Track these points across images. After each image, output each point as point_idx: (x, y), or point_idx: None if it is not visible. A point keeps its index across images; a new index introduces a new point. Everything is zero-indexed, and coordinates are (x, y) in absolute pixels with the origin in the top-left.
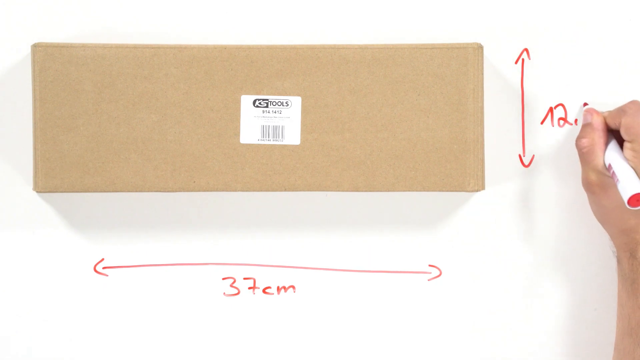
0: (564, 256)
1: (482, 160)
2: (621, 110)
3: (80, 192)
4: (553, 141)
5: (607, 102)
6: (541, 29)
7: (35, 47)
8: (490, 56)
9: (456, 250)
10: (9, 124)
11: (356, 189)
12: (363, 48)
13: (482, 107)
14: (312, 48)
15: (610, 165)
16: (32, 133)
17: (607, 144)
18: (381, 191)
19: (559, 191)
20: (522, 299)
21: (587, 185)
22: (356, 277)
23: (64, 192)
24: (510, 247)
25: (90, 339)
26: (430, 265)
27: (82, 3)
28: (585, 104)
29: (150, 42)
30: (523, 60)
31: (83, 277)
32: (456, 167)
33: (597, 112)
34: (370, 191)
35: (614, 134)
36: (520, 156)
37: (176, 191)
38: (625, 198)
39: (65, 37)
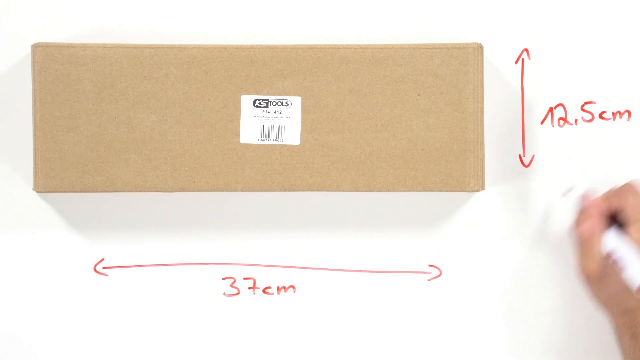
0: (564, 256)
1: (482, 160)
2: (620, 192)
3: (80, 192)
4: (553, 141)
5: (607, 102)
6: (541, 29)
7: (35, 47)
8: (490, 56)
9: (456, 250)
10: (9, 124)
11: (356, 189)
12: (363, 48)
13: (482, 107)
14: (312, 48)
15: (611, 252)
16: (32, 133)
17: (604, 229)
18: (381, 191)
19: (559, 191)
20: (522, 299)
21: (587, 274)
22: (356, 277)
23: (64, 192)
24: (510, 247)
25: (91, 339)
26: (430, 265)
27: (82, 3)
28: (568, 189)
29: (150, 42)
30: (523, 60)
31: (83, 277)
32: (456, 167)
33: (592, 198)
34: (370, 191)
35: (609, 219)
36: (520, 156)
37: (176, 191)
38: (635, 286)
39: (65, 37)
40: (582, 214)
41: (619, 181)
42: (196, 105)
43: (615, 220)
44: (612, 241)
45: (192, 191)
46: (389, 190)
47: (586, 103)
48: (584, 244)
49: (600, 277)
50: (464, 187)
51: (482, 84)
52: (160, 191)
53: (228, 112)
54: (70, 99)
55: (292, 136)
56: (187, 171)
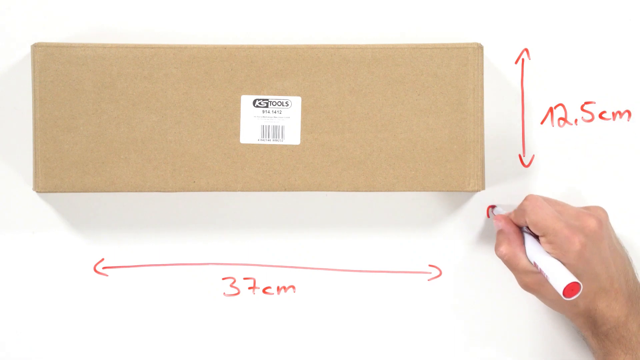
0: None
1: (482, 160)
2: (521, 210)
3: (80, 192)
4: (553, 141)
5: (607, 102)
6: (541, 29)
7: (35, 47)
8: (490, 56)
9: (456, 250)
10: (9, 124)
11: (356, 189)
12: (363, 48)
13: (482, 107)
14: (312, 48)
15: (535, 263)
16: (32, 133)
17: (524, 242)
18: (381, 191)
19: (559, 191)
20: (521, 299)
21: (525, 287)
22: (356, 277)
23: (64, 192)
24: None
25: (91, 339)
26: (430, 265)
27: (82, 3)
28: (493, 206)
29: (150, 42)
30: (523, 60)
31: (83, 277)
32: (456, 167)
33: (504, 217)
34: (370, 191)
35: (527, 230)
36: (520, 156)
37: (176, 191)
38: (560, 291)
39: (65, 37)
40: (499, 236)
41: (620, 180)
42: (196, 105)
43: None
44: (532, 253)
45: (192, 191)
46: (389, 190)
47: (586, 103)
48: (509, 264)
49: (539, 286)
50: (464, 187)
51: (482, 84)
52: (160, 191)
53: (228, 112)
54: (70, 99)
55: (292, 136)
56: (187, 171)
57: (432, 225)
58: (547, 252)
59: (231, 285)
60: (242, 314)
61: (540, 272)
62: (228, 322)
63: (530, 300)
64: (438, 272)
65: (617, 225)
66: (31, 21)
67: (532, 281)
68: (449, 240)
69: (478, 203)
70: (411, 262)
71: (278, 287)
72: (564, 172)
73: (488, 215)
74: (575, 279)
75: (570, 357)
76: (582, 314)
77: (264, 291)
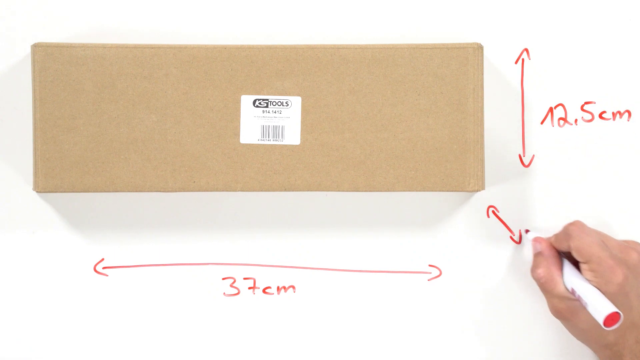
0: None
1: (482, 160)
2: (566, 234)
3: (80, 192)
4: (553, 141)
5: (607, 102)
6: (541, 29)
7: (35, 47)
8: (490, 56)
9: (456, 250)
10: (9, 124)
11: (356, 189)
12: (363, 48)
13: (482, 107)
14: (312, 48)
15: (573, 289)
16: (32, 133)
17: (562, 267)
18: (381, 191)
19: (559, 191)
20: (521, 299)
21: (557, 313)
22: (356, 277)
23: (64, 192)
24: (510, 247)
25: (91, 339)
26: (430, 265)
27: (82, 3)
28: (527, 231)
29: (150, 42)
30: (523, 60)
31: (83, 277)
32: (456, 167)
33: (544, 240)
34: (370, 191)
35: (565, 256)
36: (520, 156)
37: (176, 191)
38: (600, 320)
39: (65, 37)
40: (537, 258)
41: (620, 180)
42: (196, 105)
43: (571, 255)
44: (570, 279)
45: (192, 191)
46: (389, 190)
47: (586, 103)
48: (545, 287)
49: (571, 314)
50: (464, 187)
51: (482, 84)
52: (160, 191)
53: (228, 112)
54: (70, 99)
55: (292, 136)
56: (187, 171)
57: (432, 225)
58: (587, 280)
59: (231, 285)
60: (242, 314)
61: (576, 299)
62: (228, 322)
63: (530, 301)
64: (438, 272)
65: (617, 225)
66: (31, 21)
67: (565, 308)
68: (449, 240)
69: (478, 203)
70: (411, 262)
71: (278, 287)
72: (564, 172)
73: (519, 241)
74: (616, 309)
75: (570, 356)
76: (609, 347)
77: (264, 291)
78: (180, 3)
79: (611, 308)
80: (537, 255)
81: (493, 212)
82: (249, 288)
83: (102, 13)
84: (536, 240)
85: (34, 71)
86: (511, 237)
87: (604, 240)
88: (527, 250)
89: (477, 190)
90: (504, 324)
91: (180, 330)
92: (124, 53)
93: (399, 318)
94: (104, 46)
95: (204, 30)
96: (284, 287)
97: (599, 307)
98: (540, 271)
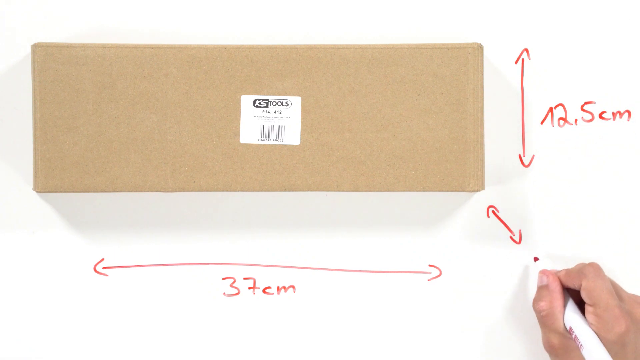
0: (563, 256)
1: (482, 160)
2: (581, 273)
3: (80, 192)
4: (553, 141)
5: (607, 102)
6: (541, 29)
7: (35, 47)
8: (490, 56)
9: (456, 250)
10: (9, 124)
11: (356, 189)
12: (363, 48)
13: (482, 107)
14: (312, 48)
15: (571, 328)
16: (32, 133)
17: (565, 304)
18: (381, 191)
19: (559, 191)
20: (521, 299)
21: (550, 348)
22: (356, 277)
23: (64, 192)
24: (510, 247)
25: (91, 339)
26: (430, 265)
27: (82, 3)
28: (535, 259)
29: (150, 42)
30: (523, 60)
31: (83, 277)
32: (456, 167)
33: (552, 274)
34: (370, 191)
35: (571, 293)
36: (520, 156)
37: (176, 191)
38: None
39: (65, 37)
40: (542, 290)
41: (620, 180)
42: (196, 105)
43: (577, 294)
44: (571, 318)
45: (192, 191)
46: (389, 190)
47: (586, 103)
48: (544, 321)
49: (564, 352)
50: (464, 187)
51: (482, 84)
52: (160, 191)
53: (228, 112)
54: (70, 99)
55: (292, 136)
56: (187, 171)
57: (432, 225)
58: (588, 323)
59: (231, 285)
60: (242, 314)
61: (572, 339)
62: (228, 322)
63: (529, 301)
64: (438, 272)
65: (617, 226)
66: (31, 21)
67: (559, 345)
68: (449, 240)
69: (478, 203)
70: (411, 262)
71: (278, 287)
72: (564, 172)
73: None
74: (611, 359)
75: None
76: None
77: (264, 291)
78: (180, 3)
79: (605, 357)
80: (542, 288)
81: (493, 212)
82: (249, 288)
83: (102, 13)
84: (544, 273)
85: (34, 71)
86: (511, 237)
87: (616, 289)
88: (533, 280)
89: (477, 190)
90: (504, 323)
91: (180, 330)
92: (124, 53)
93: (399, 318)
94: (104, 46)
95: (204, 30)
96: (284, 287)
97: (595, 353)
98: (543, 304)
